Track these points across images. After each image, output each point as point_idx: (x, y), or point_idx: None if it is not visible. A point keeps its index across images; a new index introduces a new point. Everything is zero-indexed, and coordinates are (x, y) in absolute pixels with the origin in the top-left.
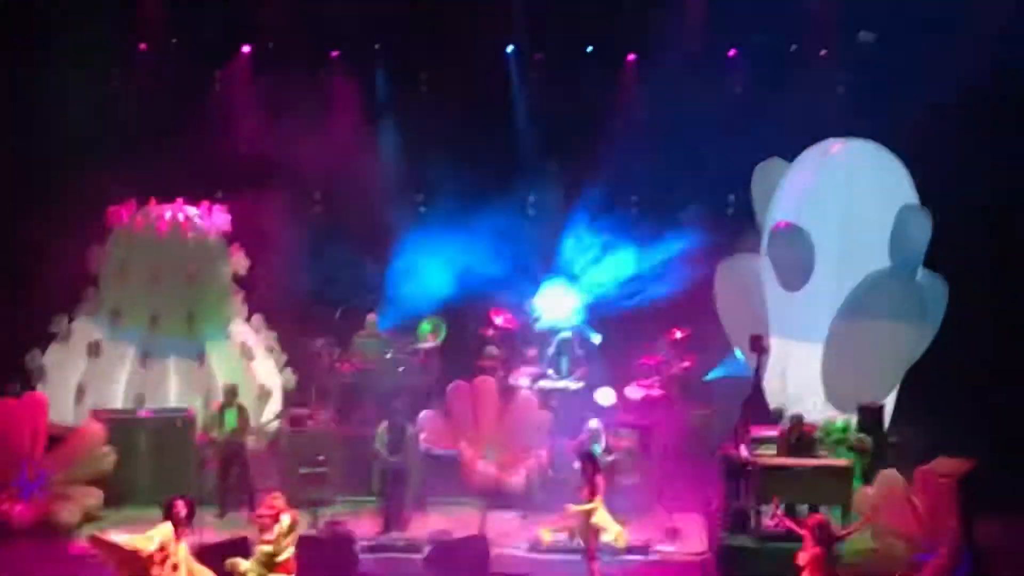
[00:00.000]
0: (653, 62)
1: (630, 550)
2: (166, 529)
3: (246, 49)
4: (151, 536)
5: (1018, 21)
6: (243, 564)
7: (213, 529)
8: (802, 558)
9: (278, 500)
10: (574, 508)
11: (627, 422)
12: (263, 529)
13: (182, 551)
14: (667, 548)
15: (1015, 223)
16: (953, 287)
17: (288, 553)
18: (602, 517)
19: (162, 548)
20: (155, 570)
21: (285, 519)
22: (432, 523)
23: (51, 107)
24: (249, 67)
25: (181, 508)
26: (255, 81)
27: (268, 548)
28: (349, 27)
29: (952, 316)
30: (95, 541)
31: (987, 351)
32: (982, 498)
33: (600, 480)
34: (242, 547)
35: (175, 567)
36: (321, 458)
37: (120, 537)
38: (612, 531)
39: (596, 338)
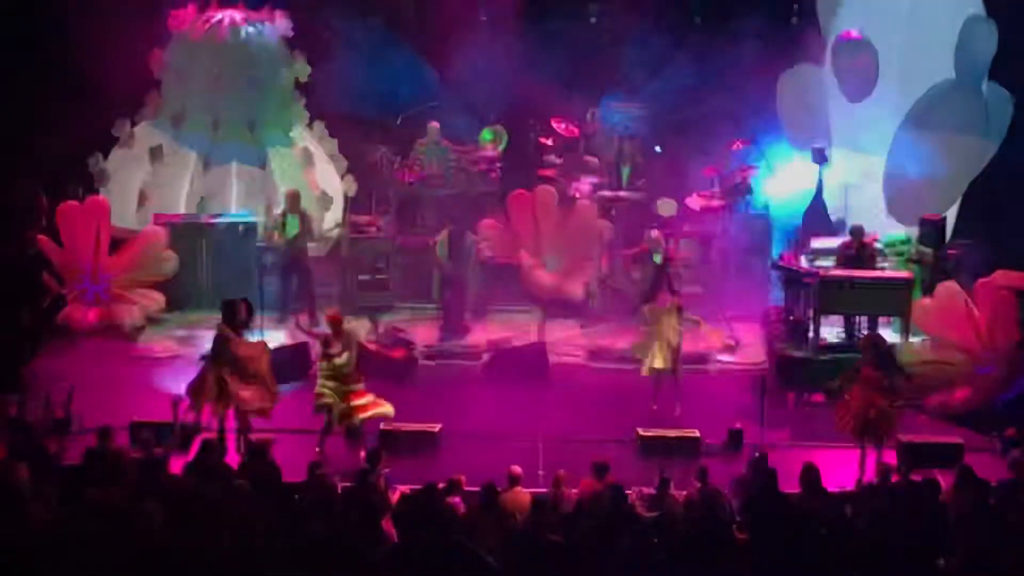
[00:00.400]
0: None
1: (689, 360)
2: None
3: None
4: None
5: None
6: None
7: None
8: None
9: (334, 311)
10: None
11: (687, 232)
12: (327, 343)
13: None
14: (726, 358)
15: None
16: (1018, 99)
17: (353, 361)
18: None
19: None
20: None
21: (351, 327)
22: (491, 331)
23: None
24: None
25: (242, 311)
26: None
27: (340, 361)
28: None
29: (1017, 129)
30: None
31: None
32: None
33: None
34: (303, 351)
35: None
36: (382, 265)
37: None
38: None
39: (657, 148)
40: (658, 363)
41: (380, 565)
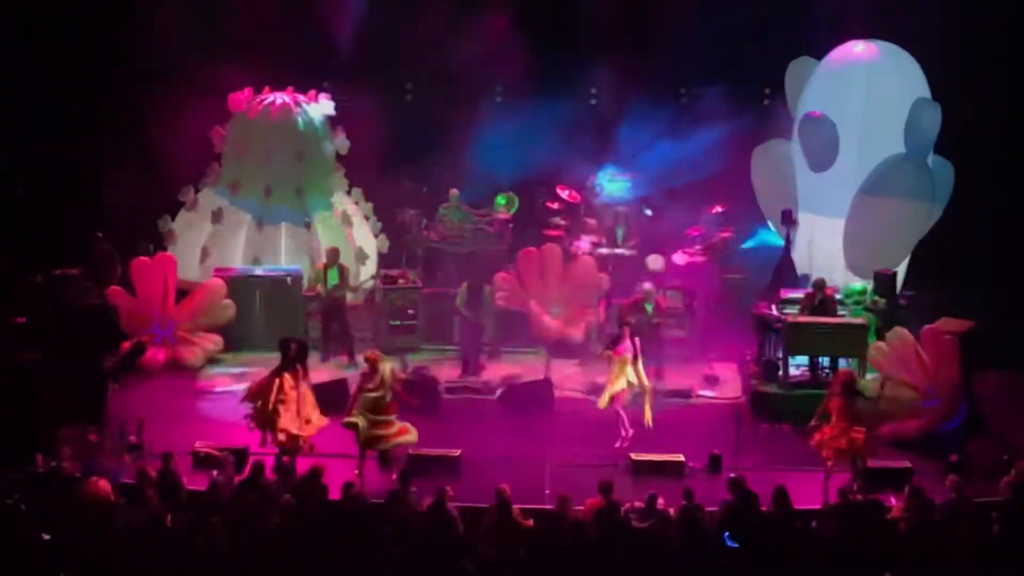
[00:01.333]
0: None
1: (674, 394)
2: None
3: None
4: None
5: None
6: (356, 420)
7: (316, 372)
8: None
9: (373, 352)
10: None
11: (673, 284)
12: (365, 378)
13: (302, 385)
14: (706, 393)
15: (1014, 115)
16: (959, 170)
17: (389, 396)
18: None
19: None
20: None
21: (386, 367)
22: (504, 369)
23: (176, 9)
24: None
25: (294, 347)
26: None
27: (376, 395)
28: None
29: (958, 195)
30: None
31: (987, 226)
32: (980, 354)
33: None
34: (342, 387)
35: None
36: (410, 312)
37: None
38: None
39: (648, 211)
40: (602, 403)
41: None
